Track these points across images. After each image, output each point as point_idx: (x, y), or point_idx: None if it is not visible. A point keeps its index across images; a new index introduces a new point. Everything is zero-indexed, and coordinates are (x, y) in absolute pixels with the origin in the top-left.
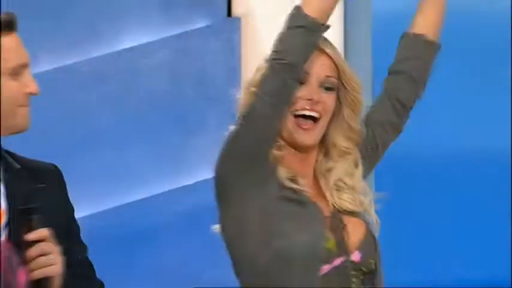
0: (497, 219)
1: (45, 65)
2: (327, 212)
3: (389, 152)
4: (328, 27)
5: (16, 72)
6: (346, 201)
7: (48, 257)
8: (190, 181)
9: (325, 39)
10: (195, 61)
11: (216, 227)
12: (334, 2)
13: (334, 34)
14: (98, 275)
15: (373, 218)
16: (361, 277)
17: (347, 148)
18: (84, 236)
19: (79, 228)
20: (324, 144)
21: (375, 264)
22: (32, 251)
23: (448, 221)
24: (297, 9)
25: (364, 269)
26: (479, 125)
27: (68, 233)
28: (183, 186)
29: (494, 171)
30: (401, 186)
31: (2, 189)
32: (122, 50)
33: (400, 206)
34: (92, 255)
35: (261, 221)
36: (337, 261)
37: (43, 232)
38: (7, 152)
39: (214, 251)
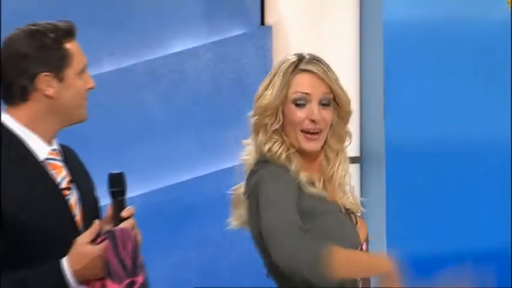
0: (497, 202)
1: (108, 67)
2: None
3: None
4: None
5: (81, 72)
6: (350, 203)
7: (136, 230)
8: (229, 164)
9: (318, 61)
10: (233, 64)
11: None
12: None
13: (350, 40)
14: (149, 245)
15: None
16: None
17: (339, 148)
18: (138, 211)
19: None
20: (323, 148)
21: None
22: (127, 224)
23: (452, 202)
24: (325, 266)
25: None
26: (480, 118)
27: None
28: (223, 169)
29: (494, 160)
30: (410, 172)
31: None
32: (172, 53)
33: (408, 190)
34: (144, 228)
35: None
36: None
37: (132, 209)
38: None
39: None
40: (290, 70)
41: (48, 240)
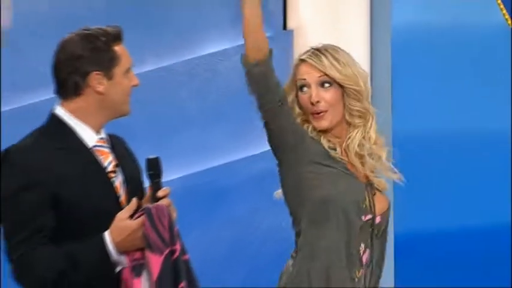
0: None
1: (150, 66)
2: (362, 179)
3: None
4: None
5: (127, 71)
6: (370, 174)
7: (172, 207)
8: (255, 152)
9: (317, 50)
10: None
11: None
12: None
13: (362, 43)
14: (184, 223)
15: (387, 177)
16: (374, 235)
17: (353, 122)
18: (176, 192)
19: None
20: (346, 122)
21: (384, 231)
22: (163, 203)
23: (454, 183)
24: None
25: (376, 230)
26: (479, 114)
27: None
28: (250, 156)
29: (493, 154)
30: (415, 164)
31: (113, 158)
32: (206, 54)
33: (415, 173)
34: (180, 208)
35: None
36: (367, 218)
37: (167, 190)
38: (111, 135)
39: (274, 205)
40: (296, 63)
41: (95, 217)
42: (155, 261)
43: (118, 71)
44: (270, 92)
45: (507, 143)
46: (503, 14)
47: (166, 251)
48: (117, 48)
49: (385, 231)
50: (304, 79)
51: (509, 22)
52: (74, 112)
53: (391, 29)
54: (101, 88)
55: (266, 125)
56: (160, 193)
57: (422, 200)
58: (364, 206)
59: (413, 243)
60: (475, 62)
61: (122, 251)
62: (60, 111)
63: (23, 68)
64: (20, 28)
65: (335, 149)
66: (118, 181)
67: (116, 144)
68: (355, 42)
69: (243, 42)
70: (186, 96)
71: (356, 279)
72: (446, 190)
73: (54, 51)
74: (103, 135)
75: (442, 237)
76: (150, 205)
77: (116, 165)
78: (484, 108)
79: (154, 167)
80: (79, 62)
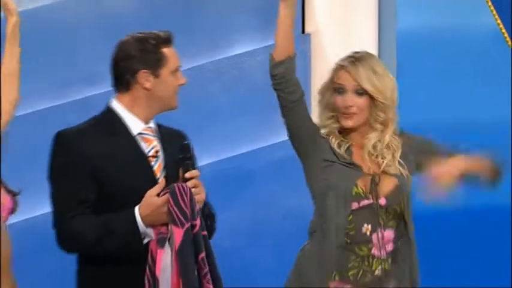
0: None
1: (185, 65)
2: (368, 170)
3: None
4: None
5: (174, 71)
6: (375, 166)
7: (198, 189)
8: (277, 140)
9: (355, 63)
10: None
11: None
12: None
13: (371, 46)
14: (214, 203)
15: (404, 174)
16: (390, 217)
17: (374, 127)
18: (207, 176)
19: None
20: (368, 124)
21: (401, 209)
22: (189, 184)
23: None
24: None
25: (391, 211)
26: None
27: None
28: (273, 144)
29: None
30: None
31: (159, 146)
32: (234, 55)
33: None
34: (211, 190)
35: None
36: (364, 203)
37: (196, 172)
38: (157, 123)
39: (293, 187)
40: (336, 67)
41: (131, 194)
42: (177, 233)
43: (165, 70)
44: (289, 91)
45: (507, 133)
46: (495, 19)
47: (187, 225)
48: (166, 50)
49: (401, 213)
50: (342, 84)
51: (508, 42)
52: (125, 104)
53: (396, 32)
54: (147, 85)
55: (284, 119)
56: (187, 175)
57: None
58: (359, 193)
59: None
60: (473, 61)
61: (148, 224)
62: (114, 103)
63: (78, 67)
64: (76, 33)
65: (346, 145)
66: (157, 165)
67: (166, 135)
68: (364, 44)
69: (265, 45)
70: (216, 92)
71: (363, 254)
72: None
73: (114, 50)
74: (151, 125)
75: (444, 218)
76: (174, 184)
77: (157, 152)
78: (482, 103)
79: (185, 152)
80: (130, 61)
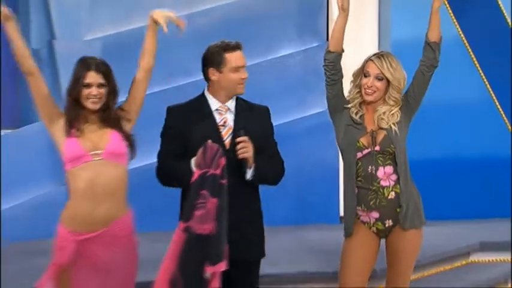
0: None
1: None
2: (371, 127)
3: None
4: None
5: (235, 69)
6: (376, 126)
7: (246, 149)
8: (309, 113)
9: (382, 55)
10: (311, 64)
11: None
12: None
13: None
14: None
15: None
16: (386, 158)
17: (389, 104)
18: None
19: (275, 143)
20: (383, 100)
21: (393, 152)
22: (239, 146)
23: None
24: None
25: (385, 153)
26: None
27: (265, 143)
28: (306, 115)
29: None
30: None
31: (231, 119)
32: (280, 56)
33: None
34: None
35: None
36: (365, 152)
37: (245, 138)
38: (241, 99)
39: (320, 145)
40: (367, 59)
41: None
42: (197, 174)
43: (226, 68)
44: (333, 72)
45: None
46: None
47: (204, 170)
48: (228, 54)
49: (394, 154)
50: (368, 71)
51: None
52: (208, 90)
53: (390, 40)
54: (214, 78)
55: (327, 91)
56: (237, 139)
57: (423, 135)
58: (360, 146)
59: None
60: (458, 65)
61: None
62: (205, 89)
63: (174, 64)
64: (179, 42)
65: (360, 113)
66: (225, 130)
67: (243, 109)
68: (368, 50)
69: (302, 49)
70: (268, 81)
71: (375, 188)
72: (445, 126)
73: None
74: (228, 103)
75: (436, 166)
76: (209, 143)
77: (225, 122)
78: (453, 87)
79: (243, 120)
80: (205, 62)
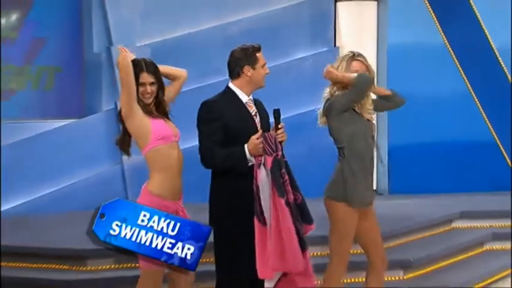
0: None
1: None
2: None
3: None
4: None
5: (263, 66)
6: (367, 119)
7: (283, 134)
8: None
9: (360, 55)
10: (321, 66)
11: None
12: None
13: (371, 56)
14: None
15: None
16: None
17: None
18: (286, 124)
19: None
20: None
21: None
22: (280, 131)
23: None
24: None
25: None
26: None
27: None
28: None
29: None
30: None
31: (255, 109)
32: (293, 59)
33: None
34: (289, 133)
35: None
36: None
37: (283, 124)
38: (255, 98)
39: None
40: (350, 56)
41: (244, 137)
42: (269, 160)
43: (258, 65)
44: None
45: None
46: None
47: (274, 155)
48: (258, 54)
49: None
50: (357, 70)
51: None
52: (236, 85)
53: (387, 45)
54: (249, 74)
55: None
56: (279, 126)
57: (414, 123)
58: (368, 132)
59: (404, 153)
60: (445, 68)
61: (251, 155)
62: (230, 85)
63: (208, 65)
64: (210, 47)
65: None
66: (257, 120)
67: (257, 103)
68: (368, 54)
69: (313, 53)
70: (285, 80)
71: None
72: (432, 115)
73: (229, 55)
74: (251, 97)
75: (425, 149)
76: (265, 133)
77: (256, 113)
78: (439, 81)
79: (277, 113)
80: (239, 61)
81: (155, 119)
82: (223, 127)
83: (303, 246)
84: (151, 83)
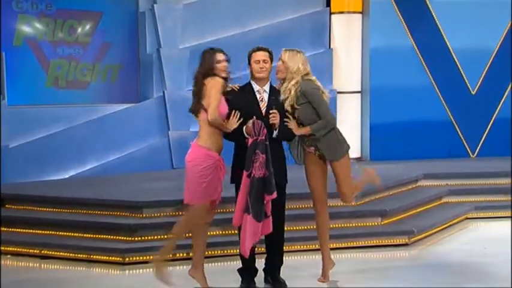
0: None
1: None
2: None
3: None
4: None
5: (256, 62)
6: None
7: (274, 118)
8: None
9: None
10: (319, 64)
11: None
12: None
13: (357, 57)
14: None
15: None
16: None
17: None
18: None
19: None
20: None
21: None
22: (270, 115)
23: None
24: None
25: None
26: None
27: (284, 114)
28: None
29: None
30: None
31: (266, 97)
32: None
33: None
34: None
35: None
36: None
37: (274, 110)
38: (273, 86)
39: None
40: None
41: (249, 118)
42: (251, 141)
43: (252, 61)
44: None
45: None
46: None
47: (255, 138)
48: (254, 53)
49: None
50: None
51: None
52: (250, 78)
53: (370, 47)
54: (250, 68)
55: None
56: (271, 111)
57: (387, 104)
58: None
59: (382, 129)
60: (407, 64)
61: (246, 133)
62: (250, 79)
63: (234, 63)
64: (234, 47)
65: None
66: (262, 104)
67: (273, 91)
68: (354, 55)
69: (314, 53)
70: None
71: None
72: (403, 101)
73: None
74: (264, 87)
75: (398, 126)
76: (255, 120)
77: (262, 99)
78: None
79: (272, 101)
80: (248, 59)
81: (223, 98)
82: (232, 104)
83: (247, 210)
84: (226, 60)
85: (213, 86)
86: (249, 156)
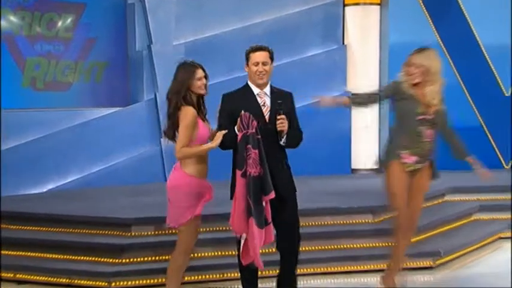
0: None
1: (282, 61)
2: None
3: None
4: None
5: (255, 64)
6: (426, 105)
7: (283, 124)
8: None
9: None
10: (332, 60)
11: None
12: None
13: (375, 53)
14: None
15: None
16: (429, 124)
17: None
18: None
19: (297, 119)
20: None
21: (439, 123)
22: (278, 122)
23: None
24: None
25: (431, 122)
26: None
27: (290, 119)
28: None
29: None
30: None
31: (268, 101)
32: (305, 56)
33: None
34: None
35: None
36: (419, 117)
37: (282, 116)
38: (273, 86)
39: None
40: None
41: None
42: (240, 135)
43: (250, 63)
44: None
45: None
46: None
47: (244, 131)
48: (251, 54)
49: (440, 123)
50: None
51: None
52: (248, 80)
53: (388, 43)
54: (247, 70)
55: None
56: (278, 117)
57: None
58: (418, 112)
59: None
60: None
61: (237, 130)
62: (248, 81)
63: (234, 61)
64: (235, 47)
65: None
66: (264, 108)
67: (276, 93)
68: (372, 51)
69: (324, 51)
70: (300, 73)
71: (422, 142)
72: None
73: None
74: (265, 89)
75: None
76: (242, 113)
77: (264, 102)
78: None
79: (279, 106)
80: (245, 60)
81: (200, 121)
82: (231, 113)
83: (249, 212)
84: (205, 77)
85: (183, 119)
86: (240, 152)
